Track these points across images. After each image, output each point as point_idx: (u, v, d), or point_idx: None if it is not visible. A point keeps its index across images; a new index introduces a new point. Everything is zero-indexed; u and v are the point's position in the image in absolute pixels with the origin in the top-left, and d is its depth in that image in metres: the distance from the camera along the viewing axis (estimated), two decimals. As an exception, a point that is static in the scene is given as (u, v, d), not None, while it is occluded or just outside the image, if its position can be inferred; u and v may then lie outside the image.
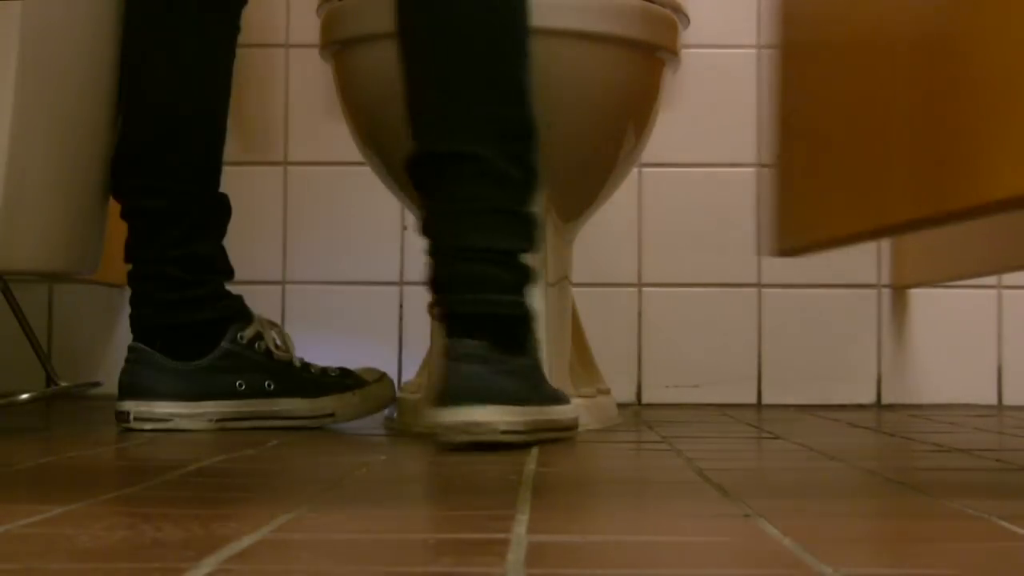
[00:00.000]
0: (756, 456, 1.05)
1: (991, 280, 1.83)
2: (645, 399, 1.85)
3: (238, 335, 1.32)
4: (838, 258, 1.86)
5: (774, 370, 1.85)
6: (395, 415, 1.38)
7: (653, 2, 1.34)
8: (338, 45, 1.38)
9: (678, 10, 1.39)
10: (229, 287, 1.39)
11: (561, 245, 1.43)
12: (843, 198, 0.93)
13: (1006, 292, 1.85)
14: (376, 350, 1.88)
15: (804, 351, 1.85)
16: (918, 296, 1.85)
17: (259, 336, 1.34)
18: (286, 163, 1.89)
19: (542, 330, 1.32)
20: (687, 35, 1.47)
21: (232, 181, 1.90)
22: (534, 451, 1.07)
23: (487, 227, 1.07)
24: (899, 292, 1.85)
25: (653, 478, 0.91)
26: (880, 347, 1.85)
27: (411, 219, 1.81)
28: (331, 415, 1.35)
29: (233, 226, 1.90)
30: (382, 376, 1.40)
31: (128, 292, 1.37)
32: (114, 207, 1.39)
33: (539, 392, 1.10)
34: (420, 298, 1.82)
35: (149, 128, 1.30)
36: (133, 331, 1.31)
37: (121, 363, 1.34)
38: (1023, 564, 0.56)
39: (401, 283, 1.89)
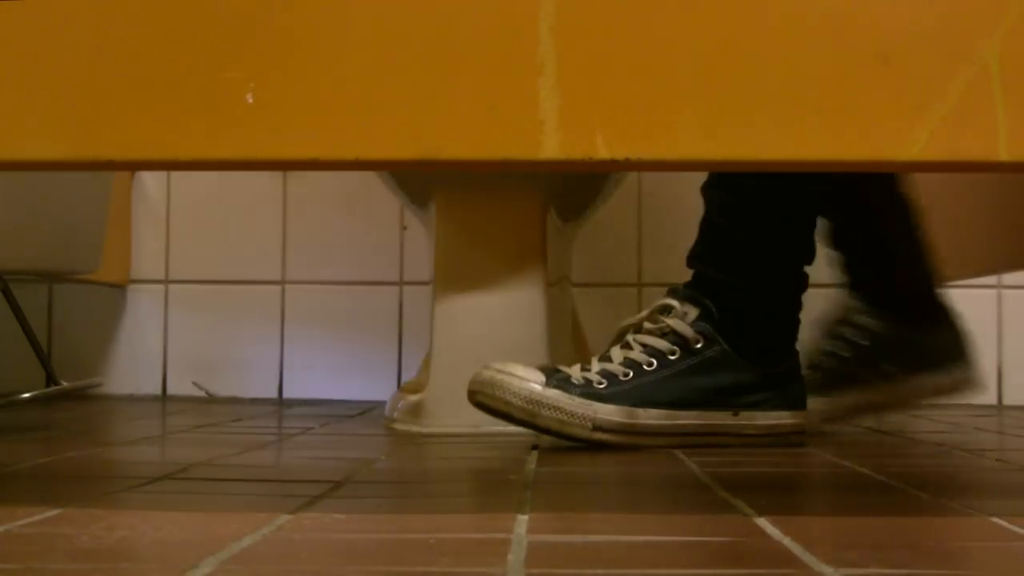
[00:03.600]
0: (756, 456, 1.05)
1: (991, 280, 1.83)
2: (645, 399, 1.84)
3: None
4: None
5: (774, 370, 1.84)
6: (395, 415, 1.38)
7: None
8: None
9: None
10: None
11: (561, 245, 1.43)
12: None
13: (1006, 292, 1.85)
14: (376, 350, 1.88)
15: (804, 351, 1.84)
16: (918, 296, 1.85)
17: None
18: (286, 163, 1.90)
19: (542, 330, 1.32)
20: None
21: (232, 181, 1.90)
22: (534, 451, 1.07)
23: None
24: (899, 292, 1.85)
25: (654, 478, 0.91)
26: (880, 347, 1.84)
27: (411, 219, 1.81)
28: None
29: (233, 226, 1.91)
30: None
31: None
32: (114, 207, 1.39)
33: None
34: (420, 298, 1.83)
35: None
36: None
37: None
38: (1023, 564, 0.56)
39: (401, 283, 1.89)
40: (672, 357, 1.12)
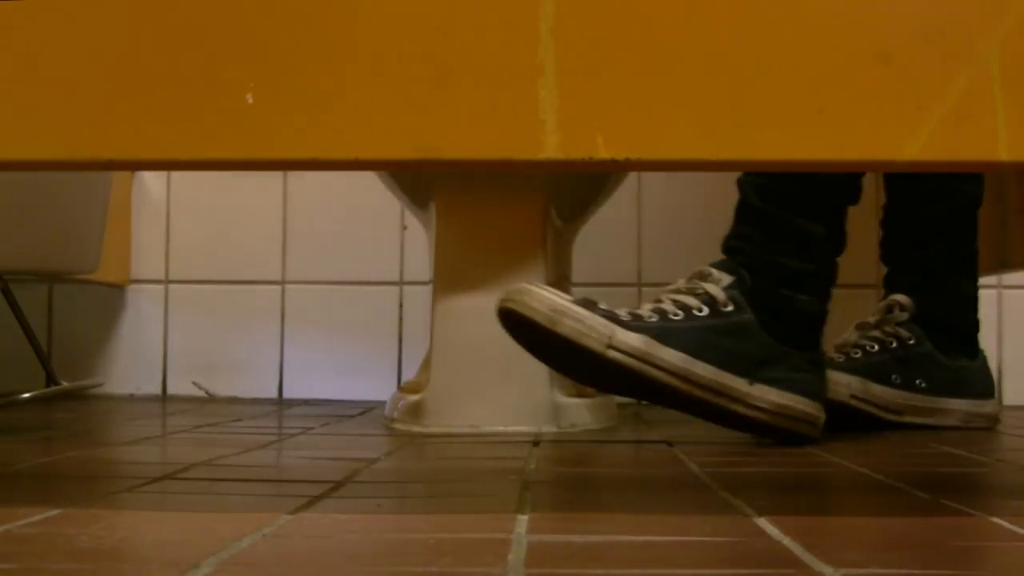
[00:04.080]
0: (756, 456, 1.05)
1: (991, 280, 1.83)
2: (645, 399, 1.84)
3: None
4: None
5: (774, 370, 1.84)
6: (395, 415, 1.38)
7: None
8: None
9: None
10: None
11: (561, 245, 1.43)
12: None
13: (1006, 292, 1.85)
14: (376, 350, 1.88)
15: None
16: (918, 296, 1.85)
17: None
18: (286, 163, 1.89)
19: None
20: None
21: (232, 181, 1.90)
22: (534, 451, 1.07)
23: None
24: (899, 292, 1.85)
25: (653, 478, 0.91)
26: (880, 347, 1.84)
27: (411, 219, 1.81)
28: None
29: (233, 226, 1.91)
30: None
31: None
32: (114, 207, 1.39)
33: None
34: (420, 298, 1.83)
35: None
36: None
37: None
38: (1023, 564, 0.56)
39: (401, 283, 1.89)
40: (699, 313, 1.13)
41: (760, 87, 0.66)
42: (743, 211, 1.20)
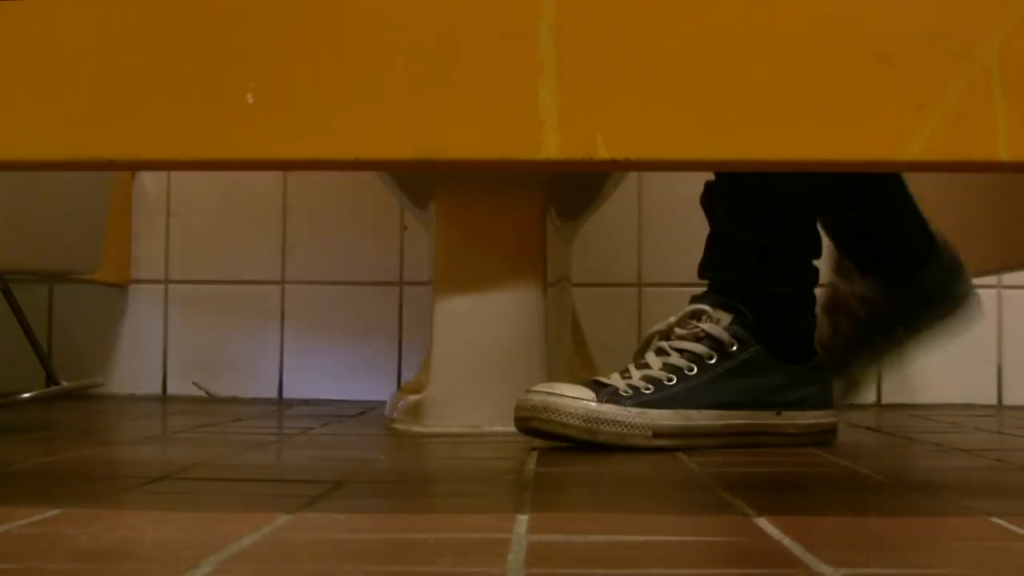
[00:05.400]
0: (756, 456, 1.05)
1: (991, 280, 1.83)
2: (645, 399, 1.84)
3: None
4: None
5: (774, 370, 1.84)
6: (395, 415, 1.38)
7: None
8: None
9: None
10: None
11: (561, 245, 1.43)
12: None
13: (1006, 292, 1.85)
14: (376, 350, 1.88)
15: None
16: (918, 296, 1.85)
17: None
18: (286, 163, 1.89)
19: (542, 330, 1.32)
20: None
21: (232, 180, 1.90)
22: (534, 451, 1.07)
23: None
24: (899, 292, 1.85)
25: (653, 478, 0.91)
26: (880, 347, 1.84)
27: (411, 219, 1.81)
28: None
29: (233, 226, 1.91)
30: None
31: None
32: (114, 207, 1.39)
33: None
34: (420, 298, 1.83)
35: None
36: None
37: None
38: (1023, 564, 0.56)
39: (401, 283, 1.89)
40: (711, 361, 1.13)
41: (760, 87, 0.66)
42: (721, 239, 1.20)
